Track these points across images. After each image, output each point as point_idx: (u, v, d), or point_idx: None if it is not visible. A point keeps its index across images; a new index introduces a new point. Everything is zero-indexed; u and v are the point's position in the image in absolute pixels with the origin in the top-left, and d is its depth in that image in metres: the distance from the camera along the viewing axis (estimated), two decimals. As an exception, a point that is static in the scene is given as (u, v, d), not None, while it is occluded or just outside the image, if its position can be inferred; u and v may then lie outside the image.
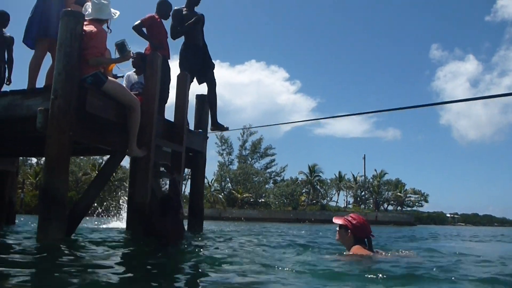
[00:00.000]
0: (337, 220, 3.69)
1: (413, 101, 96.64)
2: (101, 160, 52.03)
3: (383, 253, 3.72)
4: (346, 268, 3.05)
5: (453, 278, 2.60)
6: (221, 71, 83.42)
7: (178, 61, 6.74)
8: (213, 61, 6.92)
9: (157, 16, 6.35)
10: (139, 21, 6.19)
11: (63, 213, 4.31)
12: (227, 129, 7.39)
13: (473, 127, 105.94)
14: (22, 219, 12.42)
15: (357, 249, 3.49)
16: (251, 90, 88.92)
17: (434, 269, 2.93)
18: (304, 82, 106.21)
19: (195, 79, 6.73)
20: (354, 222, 3.53)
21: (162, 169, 6.16)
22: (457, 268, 3.13)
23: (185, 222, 6.40)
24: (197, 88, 7.00)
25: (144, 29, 6.22)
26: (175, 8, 6.53)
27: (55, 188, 4.27)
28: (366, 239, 3.60)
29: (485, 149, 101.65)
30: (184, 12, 6.53)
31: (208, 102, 6.83)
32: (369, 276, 2.52)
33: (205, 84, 6.89)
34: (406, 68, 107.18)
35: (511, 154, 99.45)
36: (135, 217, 5.43)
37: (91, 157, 50.54)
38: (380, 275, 2.52)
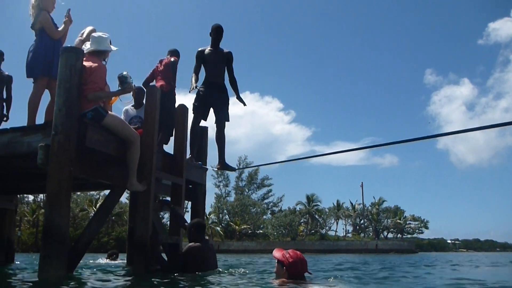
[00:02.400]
0: (276, 254, 3.75)
1: (409, 127, 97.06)
2: (98, 196, 51.75)
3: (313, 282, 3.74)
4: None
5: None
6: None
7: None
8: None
9: (158, 65, 6.71)
10: (144, 81, 6.77)
11: (64, 249, 4.24)
12: (234, 169, 7.45)
13: (471, 151, 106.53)
14: (20, 258, 12.20)
15: (281, 282, 3.59)
16: (245, 121, 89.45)
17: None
18: (298, 112, 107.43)
19: (211, 112, 6.76)
20: (290, 260, 3.57)
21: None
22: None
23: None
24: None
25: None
26: (199, 49, 6.70)
27: (56, 224, 4.22)
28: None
29: (483, 173, 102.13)
30: (206, 52, 6.66)
31: (216, 141, 6.83)
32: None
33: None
34: (401, 94, 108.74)
35: (509, 178, 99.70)
36: (136, 252, 5.35)
37: (88, 193, 50.19)
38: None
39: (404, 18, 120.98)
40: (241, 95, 6.84)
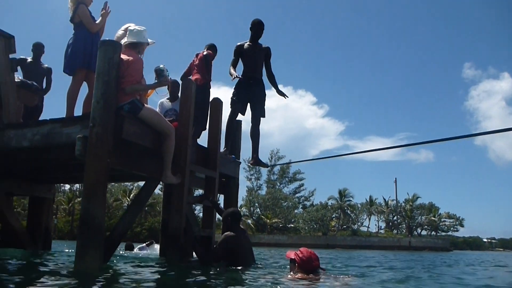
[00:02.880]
0: (289, 254, 4.00)
1: (446, 122, 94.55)
2: (132, 187, 52.88)
3: (322, 277, 3.86)
4: None
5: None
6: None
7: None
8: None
9: (194, 59, 6.73)
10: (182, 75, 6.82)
11: (100, 240, 4.32)
12: (267, 166, 7.48)
13: (510, 147, 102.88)
14: (55, 245, 12.59)
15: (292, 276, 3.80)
16: (278, 115, 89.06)
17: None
18: (331, 106, 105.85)
19: (248, 108, 6.74)
20: (301, 256, 3.81)
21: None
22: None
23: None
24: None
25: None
26: (238, 43, 6.72)
27: (93, 215, 4.30)
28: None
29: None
30: (245, 47, 6.66)
31: (250, 136, 6.81)
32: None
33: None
34: (439, 88, 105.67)
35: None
36: (170, 244, 5.40)
37: (122, 184, 51.36)
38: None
39: (443, 11, 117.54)
40: None
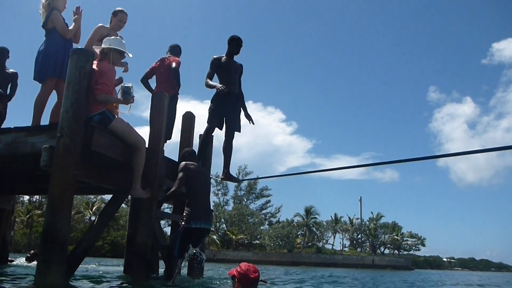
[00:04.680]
0: (231, 272, 3.96)
1: (411, 143, 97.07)
2: (94, 199, 51.49)
3: None
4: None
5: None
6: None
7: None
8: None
9: (158, 63, 6.66)
10: (142, 77, 6.85)
11: (64, 255, 4.13)
12: (238, 181, 7.38)
13: (471, 169, 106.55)
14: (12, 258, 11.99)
15: None
16: (247, 130, 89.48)
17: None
18: (300, 124, 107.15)
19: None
20: (239, 270, 3.78)
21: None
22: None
23: (185, 266, 6.19)
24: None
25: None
26: (215, 56, 6.49)
27: (57, 228, 4.11)
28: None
29: (483, 192, 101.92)
30: (222, 60, 6.48)
31: (223, 151, 6.62)
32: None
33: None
34: (404, 110, 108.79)
35: (509, 198, 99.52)
36: (136, 260, 5.23)
37: (85, 196, 49.96)
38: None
39: (410, 34, 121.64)
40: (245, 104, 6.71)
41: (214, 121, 6.42)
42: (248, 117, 6.67)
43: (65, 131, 4.33)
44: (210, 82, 6.29)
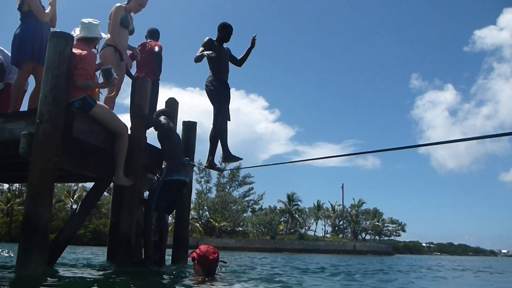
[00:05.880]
0: (192, 255, 4.07)
1: (393, 130, 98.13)
2: (76, 187, 50.89)
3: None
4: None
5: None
6: (200, 99, 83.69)
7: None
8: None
9: (139, 48, 6.41)
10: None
11: (45, 243, 4.04)
12: (222, 170, 7.25)
13: (451, 156, 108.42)
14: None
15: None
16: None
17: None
18: (283, 111, 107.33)
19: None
20: (198, 252, 3.90)
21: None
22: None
23: (169, 253, 6.16)
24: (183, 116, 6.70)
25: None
26: (209, 38, 6.25)
27: (38, 217, 4.01)
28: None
29: (462, 178, 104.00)
30: (216, 45, 6.23)
31: (209, 139, 6.42)
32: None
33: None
34: (386, 97, 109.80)
35: (487, 184, 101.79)
36: (119, 248, 5.16)
37: (66, 184, 49.34)
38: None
39: (393, 22, 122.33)
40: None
41: (226, 115, 6.23)
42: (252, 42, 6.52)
43: (44, 117, 4.21)
44: (199, 53, 6.01)
